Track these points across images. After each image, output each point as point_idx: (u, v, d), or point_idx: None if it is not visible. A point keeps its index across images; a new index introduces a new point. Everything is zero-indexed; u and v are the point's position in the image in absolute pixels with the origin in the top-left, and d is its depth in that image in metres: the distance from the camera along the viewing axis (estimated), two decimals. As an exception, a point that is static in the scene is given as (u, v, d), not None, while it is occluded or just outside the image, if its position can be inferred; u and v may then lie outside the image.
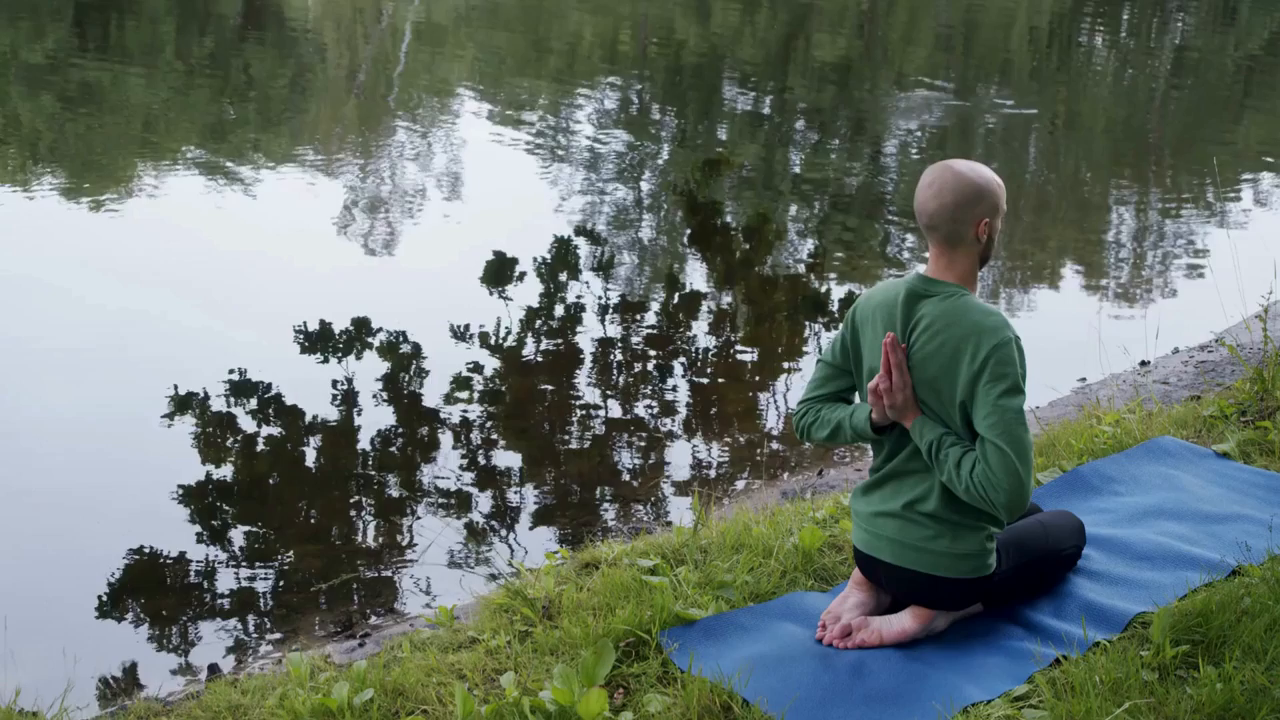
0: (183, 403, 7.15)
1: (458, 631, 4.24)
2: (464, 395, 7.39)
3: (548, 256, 9.88)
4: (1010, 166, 13.62)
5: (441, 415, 7.19)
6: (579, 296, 9.13)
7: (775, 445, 6.99)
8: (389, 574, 5.60)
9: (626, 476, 6.58)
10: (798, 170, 13.21)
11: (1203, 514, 4.73)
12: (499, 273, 9.51)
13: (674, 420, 7.30)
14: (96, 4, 20.90)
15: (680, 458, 6.79)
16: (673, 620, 4.12)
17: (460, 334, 8.25)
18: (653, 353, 8.26)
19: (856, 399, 4.19)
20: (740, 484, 6.44)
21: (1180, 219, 11.65)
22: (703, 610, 4.18)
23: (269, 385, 7.43)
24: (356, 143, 14.07)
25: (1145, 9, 23.13)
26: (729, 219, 11.46)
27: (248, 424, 7.10)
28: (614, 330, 8.52)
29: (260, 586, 5.57)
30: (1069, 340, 7.14)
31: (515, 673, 3.88)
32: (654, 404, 7.51)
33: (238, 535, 6.00)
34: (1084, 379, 6.71)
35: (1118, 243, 11.16)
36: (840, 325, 4.18)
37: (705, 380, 7.89)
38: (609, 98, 16.67)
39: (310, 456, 6.84)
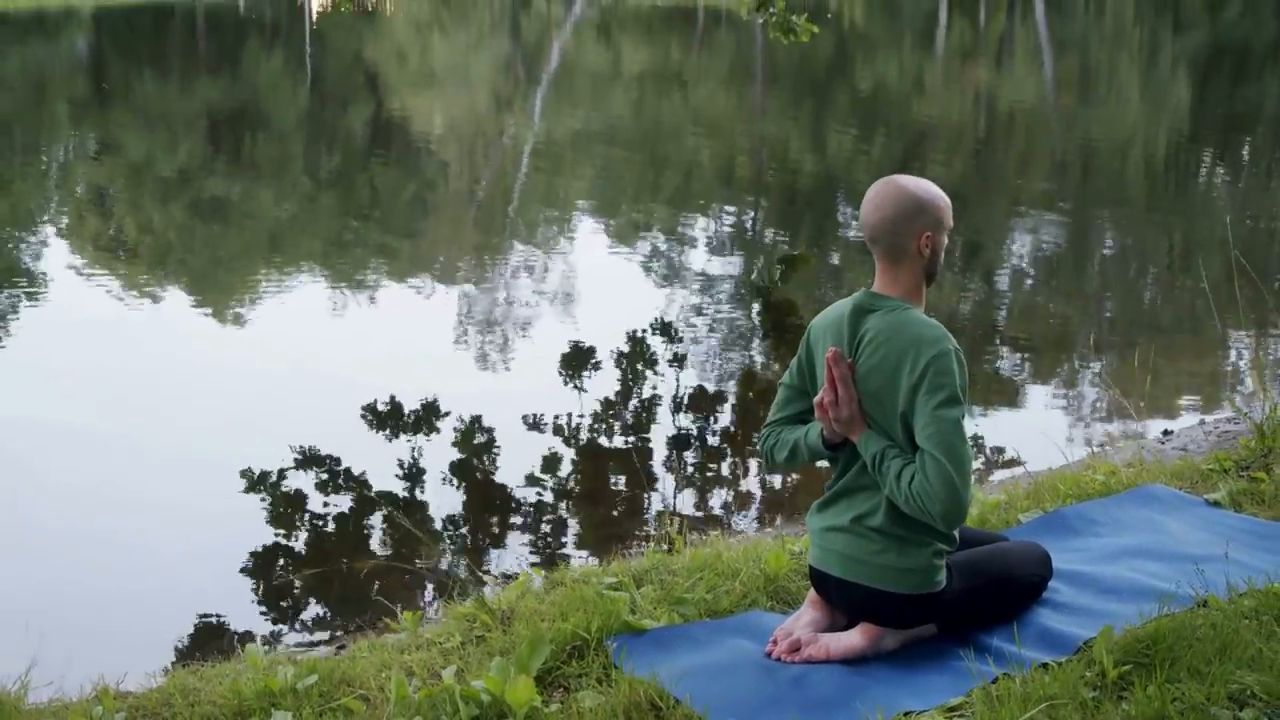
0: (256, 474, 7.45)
1: (419, 635, 4.34)
2: (531, 461, 7.62)
3: (626, 349, 10.08)
4: (1124, 286, 13.45)
5: (486, 468, 7.42)
6: (654, 389, 9.28)
7: (786, 495, 7.08)
8: (375, 592, 5.73)
9: (626, 518, 6.72)
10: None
11: (1182, 555, 4.61)
12: (578, 362, 9.74)
13: (687, 471, 7.47)
14: (229, 119, 21.86)
15: (684, 505, 6.98)
16: (623, 628, 4.16)
17: (533, 423, 8.43)
18: (695, 424, 8.42)
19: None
20: (743, 528, 6.50)
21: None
22: (655, 622, 4.23)
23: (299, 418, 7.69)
24: (475, 260, 14.38)
25: (1267, 142, 22.84)
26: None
27: (270, 451, 7.46)
28: (676, 417, 8.66)
29: (247, 594, 5.77)
30: (1105, 412, 7.07)
31: (458, 667, 3.97)
32: (671, 457, 7.73)
33: (232, 543, 6.26)
34: (1102, 444, 6.64)
35: (1193, 333, 10.88)
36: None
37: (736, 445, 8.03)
38: (724, 220, 16.88)
39: (316, 482, 7.14)
